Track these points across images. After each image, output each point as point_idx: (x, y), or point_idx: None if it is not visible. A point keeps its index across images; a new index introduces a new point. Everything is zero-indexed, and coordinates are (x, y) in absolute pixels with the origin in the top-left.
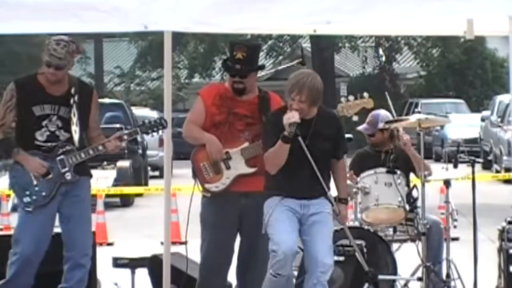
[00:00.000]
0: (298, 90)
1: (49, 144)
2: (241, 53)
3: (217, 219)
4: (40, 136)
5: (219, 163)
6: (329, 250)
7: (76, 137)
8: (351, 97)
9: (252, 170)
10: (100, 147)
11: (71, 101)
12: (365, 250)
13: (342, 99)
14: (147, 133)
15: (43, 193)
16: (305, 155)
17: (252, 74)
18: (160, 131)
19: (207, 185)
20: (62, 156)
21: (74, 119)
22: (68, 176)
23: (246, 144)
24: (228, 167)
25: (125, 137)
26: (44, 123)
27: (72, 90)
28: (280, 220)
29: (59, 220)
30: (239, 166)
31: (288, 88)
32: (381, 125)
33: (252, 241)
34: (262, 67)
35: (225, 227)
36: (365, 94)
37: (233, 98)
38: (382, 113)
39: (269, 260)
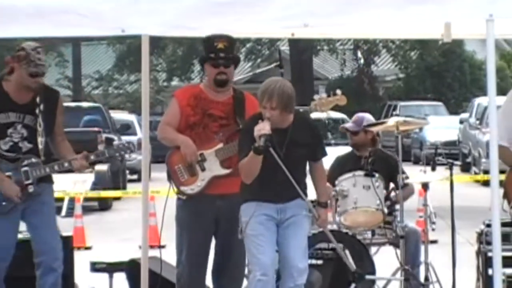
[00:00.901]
0: (268, 97)
1: (11, 154)
2: (222, 43)
3: (193, 222)
4: (4, 145)
5: (194, 165)
6: (303, 254)
7: (41, 147)
8: (324, 95)
9: (227, 171)
10: (66, 164)
11: (37, 111)
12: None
13: (315, 97)
14: (114, 156)
15: (3, 202)
16: (279, 164)
17: (232, 66)
18: (127, 155)
19: (182, 188)
20: (26, 168)
21: (40, 130)
22: (31, 189)
23: (220, 145)
24: (203, 169)
25: (92, 157)
26: (9, 131)
27: (38, 99)
28: (257, 234)
29: (27, 228)
30: (214, 168)
31: (259, 98)
32: (365, 123)
33: (227, 244)
34: (239, 59)
35: (202, 230)
36: (338, 91)
37: (207, 99)
38: (367, 116)
39: (250, 275)
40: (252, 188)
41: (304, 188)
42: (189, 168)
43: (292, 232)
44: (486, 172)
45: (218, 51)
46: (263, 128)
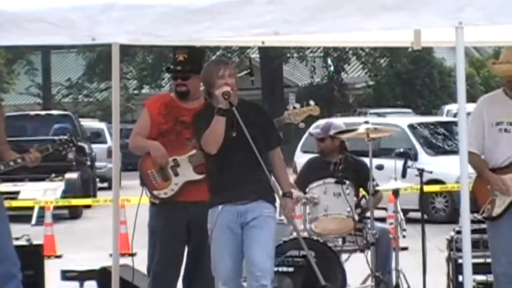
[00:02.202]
0: (224, 67)
1: None
2: (182, 56)
3: (166, 228)
4: None
5: (166, 169)
6: (267, 254)
7: None
8: (297, 105)
9: (200, 176)
10: (19, 160)
11: None
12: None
13: (289, 107)
14: (58, 150)
15: None
16: (241, 138)
17: (194, 77)
18: (70, 148)
19: (155, 192)
20: None
21: None
22: None
23: (193, 151)
24: (176, 174)
25: (41, 150)
26: None
27: None
28: (219, 244)
29: None
30: (187, 173)
31: (212, 73)
32: (332, 132)
33: (198, 251)
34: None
35: (174, 237)
36: (311, 102)
37: (179, 106)
38: (336, 122)
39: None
40: (216, 189)
41: (268, 182)
42: (162, 173)
43: (256, 233)
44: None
45: (177, 64)
46: (224, 88)
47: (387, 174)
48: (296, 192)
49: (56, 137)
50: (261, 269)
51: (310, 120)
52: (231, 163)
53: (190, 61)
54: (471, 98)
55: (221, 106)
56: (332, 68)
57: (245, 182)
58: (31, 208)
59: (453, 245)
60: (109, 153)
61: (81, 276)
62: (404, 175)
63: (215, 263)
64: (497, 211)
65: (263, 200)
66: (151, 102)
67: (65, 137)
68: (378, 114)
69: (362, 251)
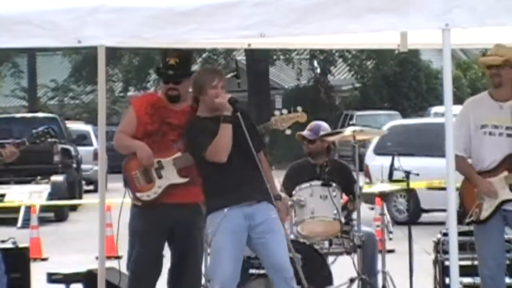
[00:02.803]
0: (219, 77)
1: None
2: (173, 59)
3: (147, 230)
4: None
5: (150, 171)
6: (288, 254)
7: None
8: (284, 111)
9: (183, 180)
10: None
11: None
12: (301, 263)
13: (276, 112)
14: (35, 143)
15: None
16: (240, 142)
17: (186, 81)
18: (47, 140)
19: (138, 194)
20: None
21: None
22: None
23: (178, 154)
24: (160, 176)
25: (17, 144)
26: None
27: None
28: (221, 248)
29: None
30: (171, 176)
31: (205, 81)
32: (322, 133)
33: (182, 253)
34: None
35: (155, 238)
36: (299, 108)
37: (166, 107)
38: (323, 124)
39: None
40: (217, 193)
41: (265, 184)
42: (146, 175)
43: (272, 238)
44: None
45: (169, 68)
46: (224, 97)
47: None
48: (282, 195)
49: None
50: (289, 271)
51: (298, 126)
52: (230, 165)
53: (182, 65)
54: (458, 100)
55: (226, 113)
56: (318, 71)
57: (246, 183)
58: (17, 211)
59: (440, 247)
60: (95, 155)
61: (67, 279)
62: (390, 177)
63: (214, 266)
64: (484, 214)
65: (267, 201)
66: (137, 100)
67: (41, 129)
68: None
69: (348, 253)
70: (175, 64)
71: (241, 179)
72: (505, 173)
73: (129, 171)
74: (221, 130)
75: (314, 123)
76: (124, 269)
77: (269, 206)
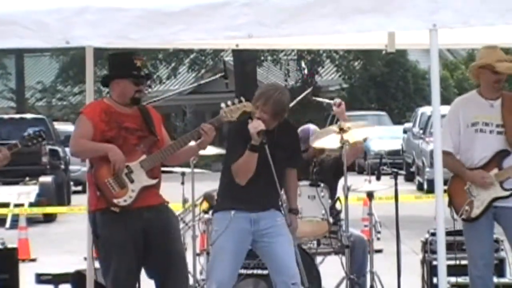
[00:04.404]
0: (264, 100)
1: None
2: (140, 61)
3: (126, 235)
4: None
5: (121, 177)
6: (294, 259)
7: None
8: (229, 102)
9: (154, 181)
10: None
11: None
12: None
13: (222, 105)
14: (27, 146)
15: None
16: (265, 164)
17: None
18: (40, 143)
19: (115, 200)
20: None
21: None
22: None
23: (143, 157)
24: (131, 181)
25: (7, 149)
26: None
27: None
28: (224, 249)
29: None
30: (141, 179)
31: (255, 96)
32: (312, 139)
33: (164, 260)
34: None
35: (134, 243)
36: (242, 98)
37: (119, 112)
38: (312, 127)
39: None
40: (231, 191)
41: (278, 196)
42: (118, 180)
43: (277, 243)
44: (430, 181)
45: (139, 69)
46: (258, 125)
47: None
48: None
49: (25, 133)
50: (294, 276)
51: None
52: (251, 179)
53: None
54: (445, 101)
55: (254, 143)
56: (306, 71)
57: (262, 196)
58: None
59: (428, 247)
60: None
61: (56, 279)
62: (378, 177)
63: (213, 266)
64: (476, 212)
65: (274, 208)
66: (89, 109)
67: (33, 131)
68: None
69: (336, 253)
70: (141, 66)
71: (256, 192)
72: (495, 170)
73: (101, 179)
74: (244, 157)
75: (302, 130)
76: None
77: (276, 213)
